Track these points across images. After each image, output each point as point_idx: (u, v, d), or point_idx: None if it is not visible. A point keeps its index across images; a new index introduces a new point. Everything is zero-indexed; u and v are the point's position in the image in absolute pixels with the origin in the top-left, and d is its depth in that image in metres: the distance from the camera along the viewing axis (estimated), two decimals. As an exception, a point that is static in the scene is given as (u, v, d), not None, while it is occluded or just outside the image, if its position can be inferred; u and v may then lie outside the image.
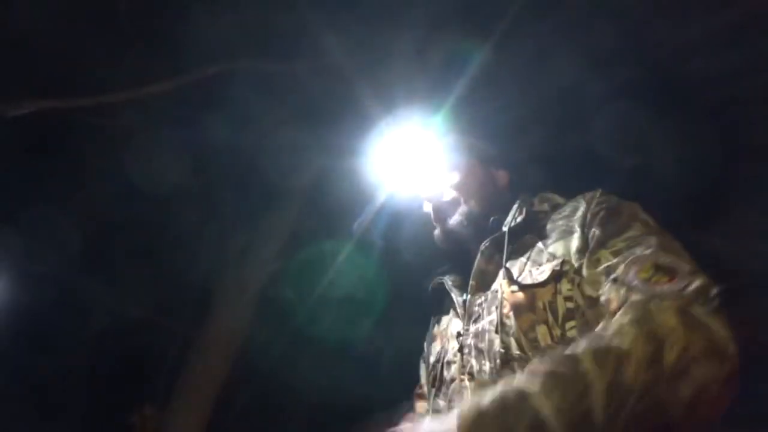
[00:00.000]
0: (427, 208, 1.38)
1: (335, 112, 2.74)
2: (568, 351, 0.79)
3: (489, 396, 0.76)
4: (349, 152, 2.50)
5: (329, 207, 3.09)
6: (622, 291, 0.88)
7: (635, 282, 0.87)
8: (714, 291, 0.83)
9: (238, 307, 3.04)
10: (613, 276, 0.92)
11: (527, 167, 1.60)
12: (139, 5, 2.66)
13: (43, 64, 2.75)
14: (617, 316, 0.83)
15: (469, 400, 0.79)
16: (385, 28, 2.57)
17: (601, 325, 0.85)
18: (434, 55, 2.58)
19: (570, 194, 1.25)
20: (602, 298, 0.93)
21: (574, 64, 2.46)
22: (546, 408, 0.72)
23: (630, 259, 0.92)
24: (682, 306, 0.81)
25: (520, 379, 0.79)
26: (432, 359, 1.32)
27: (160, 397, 2.98)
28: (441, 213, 1.33)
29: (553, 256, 1.07)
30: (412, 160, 1.48)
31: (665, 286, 0.84)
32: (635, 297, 0.86)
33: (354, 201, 2.66)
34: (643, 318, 0.80)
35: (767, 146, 2.58)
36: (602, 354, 0.76)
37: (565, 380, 0.75)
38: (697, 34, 2.41)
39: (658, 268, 0.88)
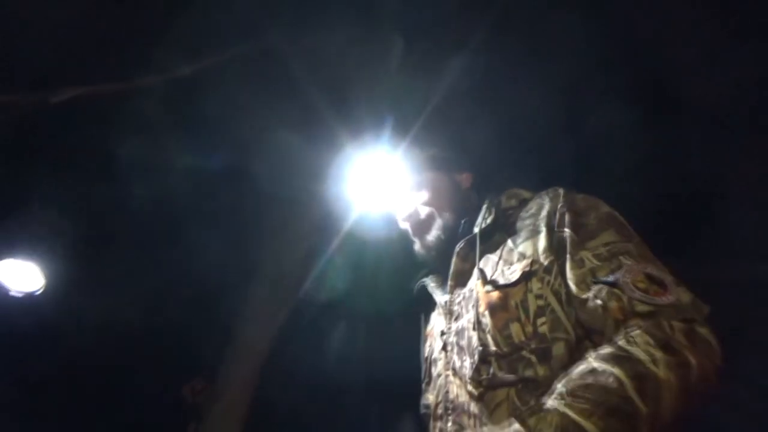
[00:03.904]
0: (404, 226, 1.49)
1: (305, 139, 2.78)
2: (609, 371, 0.84)
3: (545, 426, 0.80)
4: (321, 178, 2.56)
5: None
6: (625, 299, 0.94)
7: (637, 292, 0.94)
8: (707, 308, 0.93)
9: (282, 283, 3.13)
10: (608, 278, 0.98)
11: (489, 164, 1.69)
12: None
13: (76, 51, 2.81)
14: (634, 331, 0.89)
15: None
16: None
17: (622, 338, 0.89)
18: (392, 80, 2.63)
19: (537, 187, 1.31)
20: (596, 302, 0.98)
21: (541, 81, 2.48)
22: None
23: (622, 268, 0.98)
24: (689, 326, 0.89)
25: (574, 412, 0.81)
26: (423, 358, 1.41)
27: (209, 370, 3.09)
28: (419, 230, 1.43)
29: (523, 256, 1.14)
30: (382, 184, 1.59)
31: (663, 298, 0.93)
32: (641, 307, 0.93)
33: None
34: (667, 342, 0.86)
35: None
36: (644, 383, 0.82)
37: (622, 416, 0.80)
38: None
39: (651, 279, 0.96)
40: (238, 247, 2.98)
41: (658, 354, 0.83)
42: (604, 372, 0.83)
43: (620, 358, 0.84)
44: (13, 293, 2.72)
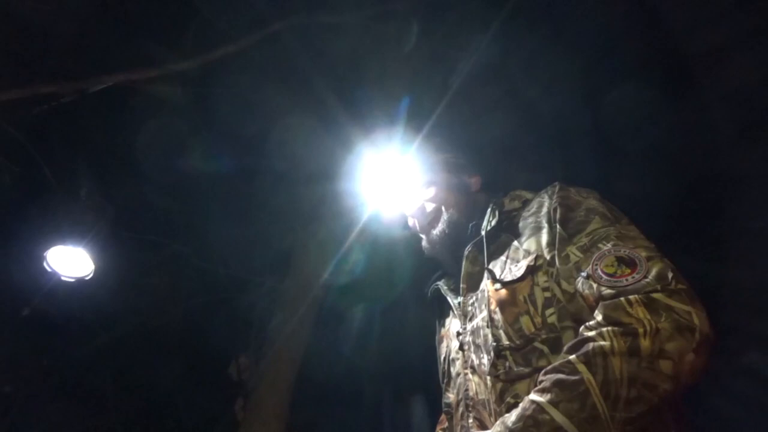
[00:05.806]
0: (411, 222, 1.53)
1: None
2: (566, 357, 0.95)
3: (513, 415, 0.95)
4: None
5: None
6: (595, 286, 1.02)
7: (604, 278, 1.01)
8: (670, 274, 0.97)
9: (317, 262, 3.16)
10: (583, 273, 1.05)
11: (498, 168, 1.75)
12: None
13: (112, 40, 2.81)
14: (595, 314, 0.98)
15: (499, 421, 0.97)
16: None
17: (583, 327, 0.99)
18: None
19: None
20: (578, 294, 1.07)
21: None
22: (558, 416, 0.88)
23: (596, 255, 1.06)
24: (646, 296, 0.95)
25: (534, 392, 0.94)
26: (441, 358, 1.47)
27: (253, 347, 3.17)
28: (425, 225, 1.47)
29: (528, 253, 1.19)
30: (392, 181, 1.61)
31: (629, 278, 0.99)
32: (606, 291, 1.00)
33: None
34: (616, 315, 0.94)
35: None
36: (591, 356, 0.92)
37: (568, 387, 0.90)
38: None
39: (621, 261, 1.02)
40: (279, 230, 3.03)
41: (605, 329, 0.93)
42: (563, 358, 0.96)
43: (576, 344, 0.95)
44: (64, 278, 2.81)
